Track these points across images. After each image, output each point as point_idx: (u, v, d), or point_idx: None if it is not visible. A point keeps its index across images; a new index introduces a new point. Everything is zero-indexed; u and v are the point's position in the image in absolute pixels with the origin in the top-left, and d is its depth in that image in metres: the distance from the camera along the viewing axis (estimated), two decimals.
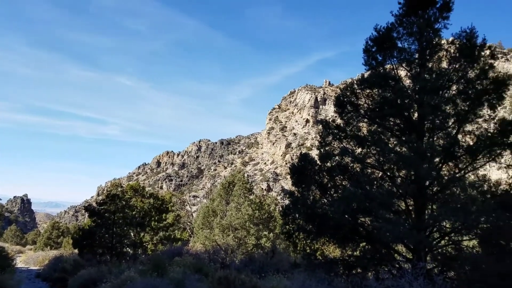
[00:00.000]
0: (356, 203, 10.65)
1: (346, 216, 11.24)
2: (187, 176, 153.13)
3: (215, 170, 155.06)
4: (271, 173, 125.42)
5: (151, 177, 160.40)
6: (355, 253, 12.37)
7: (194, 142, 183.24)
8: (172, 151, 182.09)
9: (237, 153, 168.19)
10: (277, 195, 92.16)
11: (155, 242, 23.74)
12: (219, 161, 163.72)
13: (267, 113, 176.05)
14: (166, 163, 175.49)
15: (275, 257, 18.10)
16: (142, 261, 18.03)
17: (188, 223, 37.60)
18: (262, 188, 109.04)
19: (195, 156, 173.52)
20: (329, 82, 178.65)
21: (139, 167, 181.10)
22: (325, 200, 12.29)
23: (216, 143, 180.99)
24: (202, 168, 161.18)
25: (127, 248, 23.05)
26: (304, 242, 12.47)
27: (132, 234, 23.32)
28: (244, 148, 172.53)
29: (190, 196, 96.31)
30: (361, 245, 12.32)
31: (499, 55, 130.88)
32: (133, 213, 22.85)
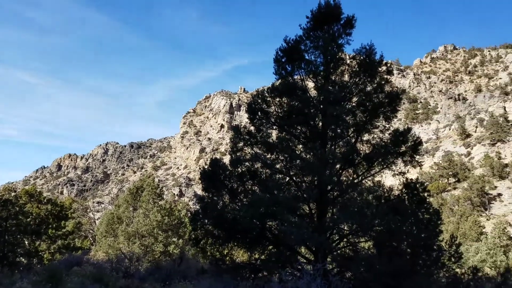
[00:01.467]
0: (264, 208, 10.88)
1: (255, 220, 11.42)
2: (91, 180, 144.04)
3: (123, 174, 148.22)
4: (184, 178, 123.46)
5: (50, 181, 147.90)
6: (262, 256, 12.62)
7: (100, 145, 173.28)
8: (75, 154, 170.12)
9: (148, 157, 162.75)
10: (189, 201, 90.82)
11: (52, 251, 21.91)
12: (128, 165, 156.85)
13: (182, 117, 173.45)
14: (68, 166, 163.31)
15: (183, 264, 17.76)
16: (37, 272, 16.50)
17: (91, 231, 35.30)
18: (174, 194, 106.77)
19: (101, 160, 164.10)
20: (244, 88, 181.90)
21: (37, 170, 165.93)
22: (235, 205, 12.37)
23: (125, 146, 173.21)
24: (109, 172, 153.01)
25: (21, 258, 20.99)
26: (213, 247, 12.42)
27: (26, 242, 21.30)
28: (156, 152, 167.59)
29: (94, 202, 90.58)
30: (268, 248, 12.61)
31: (396, 72, 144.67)
32: (28, 220, 20.89)
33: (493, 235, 30.80)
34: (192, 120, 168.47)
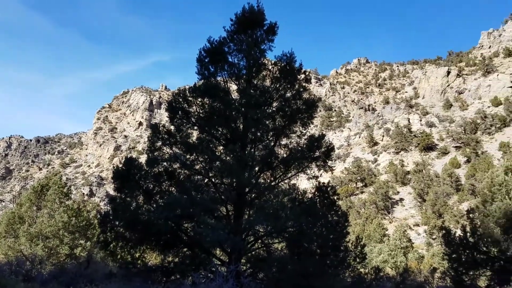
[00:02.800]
0: (180, 209, 10.69)
1: (170, 222, 11.16)
2: None
3: (27, 171, 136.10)
4: (96, 177, 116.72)
5: None
6: (176, 259, 12.36)
7: (3, 138, 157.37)
8: None
9: (56, 153, 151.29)
10: (100, 201, 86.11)
11: None
12: (33, 161, 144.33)
13: (96, 112, 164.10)
14: None
15: (90, 267, 16.74)
16: None
17: None
18: (84, 193, 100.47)
19: (4, 154, 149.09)
20: (166, 86, 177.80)
21: None
22: (150, 206, 11.98)
23: (31, 140, 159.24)
24: (12, 168, 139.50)
25: None
26: (124, 250, 11.86)
27: None
28: (65, 148, 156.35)
29: None
30: (183, 251, 12.39)
31: (315, 80, 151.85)
32: None
33: (395, 237, 33.47)
34: (107, 116, 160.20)
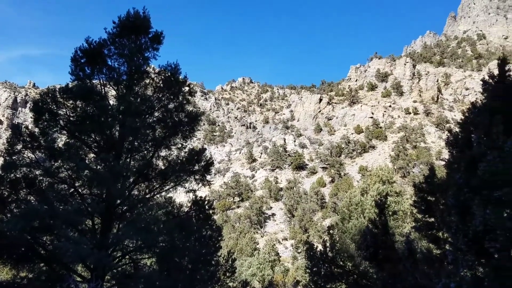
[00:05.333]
0: (38, 220, 9.63)
1: (25, 234, 9.97)
2: None
3: None
4: None
5: None
6: (30, 275, 11.05)
7: None
8: None
9: None
10: None
11: None
12: None
13: None
14: None
15: None
16: None
17: None
18: None
19: None
20: (34, 83, 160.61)
21: None
22: (3, 216, 10.58)
23: None
24: None
25: None
26: None
27: None
28: None
29: None
30: (40, 266, 11.16)
31: (200, 94, 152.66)
32: None
33: (264, 251, 34.98)
34: None
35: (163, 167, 12.37)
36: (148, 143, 12.21)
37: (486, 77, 9.12)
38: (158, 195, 12.72)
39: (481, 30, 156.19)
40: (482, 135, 7.90)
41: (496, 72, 8.92)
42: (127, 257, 11.40)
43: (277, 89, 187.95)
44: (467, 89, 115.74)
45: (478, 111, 9.01)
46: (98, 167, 10.76)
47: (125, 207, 11.40)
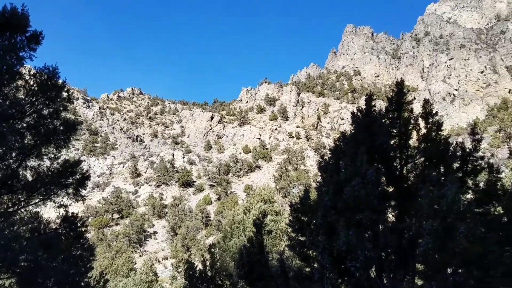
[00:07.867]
0: None
1: None
2: None
3: None
4: None
5: None
6: None
7: None
8: None
9: None
10: None
11: None
12: None
13: None
14: None
15: None
16: None
17: None
18: None
19: None
20: None
21: None
22: None
23: None
24: None
25: None
26: None
27: None
28: None
29: None
30: None
31: (83, 101, 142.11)
32: None
33: (142, 271, 33.52)
34: None
35: (31, 179, 11.24)
36: (15, 151, 11.01)
37: (355, 110, 10.29)
38: (23, 209, 11.46)
39: (357, 67, 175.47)
40: (348, 162, 8.86)
41: (364, 106, 10.14)
42: None
43: (169, 103, 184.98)
44: (342, 119, 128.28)
45: (346, 141, 10.10)
46: None
47: None
